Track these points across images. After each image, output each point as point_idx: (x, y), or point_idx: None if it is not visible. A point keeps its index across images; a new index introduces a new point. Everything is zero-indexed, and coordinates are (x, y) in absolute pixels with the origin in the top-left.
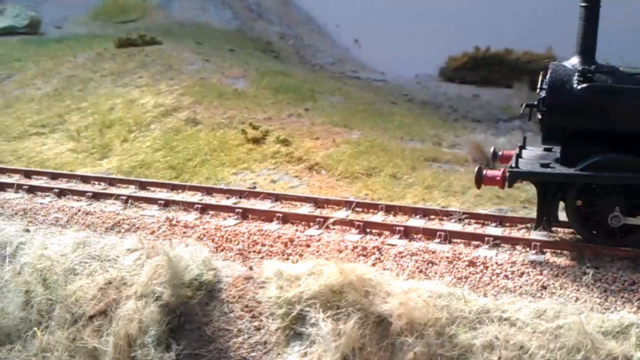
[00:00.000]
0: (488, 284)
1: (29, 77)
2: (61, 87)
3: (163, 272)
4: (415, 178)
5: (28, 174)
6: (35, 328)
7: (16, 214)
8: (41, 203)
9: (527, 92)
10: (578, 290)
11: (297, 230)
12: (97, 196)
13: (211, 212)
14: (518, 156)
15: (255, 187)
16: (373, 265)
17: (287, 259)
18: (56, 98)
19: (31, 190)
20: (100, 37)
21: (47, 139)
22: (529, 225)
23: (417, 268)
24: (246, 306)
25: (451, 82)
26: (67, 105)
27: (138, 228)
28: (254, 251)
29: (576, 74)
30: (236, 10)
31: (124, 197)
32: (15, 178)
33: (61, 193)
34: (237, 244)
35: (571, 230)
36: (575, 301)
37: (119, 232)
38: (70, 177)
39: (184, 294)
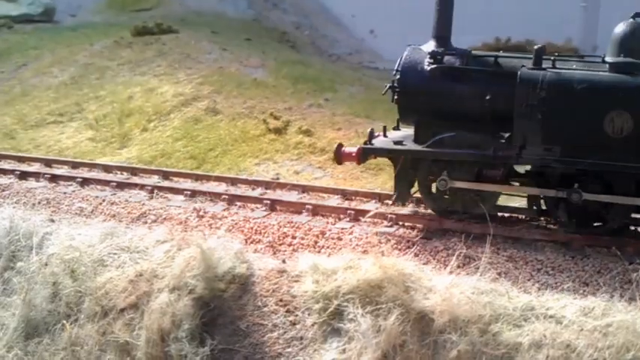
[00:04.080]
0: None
1: (45, 65)
2: (78, 75)
3: (196, 265)
4: None
5: (48, 163)
6: (64, 321)
7: (39, 203)
8: (64, 193)
9: None
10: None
11: (327, 222)
12: (121, 186)
13: (238, 203)
14: (384, 135)
15: (278, 178)
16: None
17: (319, 252)
18: (74, 86)
19: (54, 179)
20: (116, 26)
21: (65, 128)
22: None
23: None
24: (281, 300)
25: None
26: (85, 93)
27: (164, 219)
28: (284, 244)
29: (427, 57)
30: (251, 0)
31: (149, 187)
32: (35, 167)
33: (85, 182)
34: (267, 236)
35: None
36: None
37: (145, 222)
38: (92, 166)
39: (217, 287)
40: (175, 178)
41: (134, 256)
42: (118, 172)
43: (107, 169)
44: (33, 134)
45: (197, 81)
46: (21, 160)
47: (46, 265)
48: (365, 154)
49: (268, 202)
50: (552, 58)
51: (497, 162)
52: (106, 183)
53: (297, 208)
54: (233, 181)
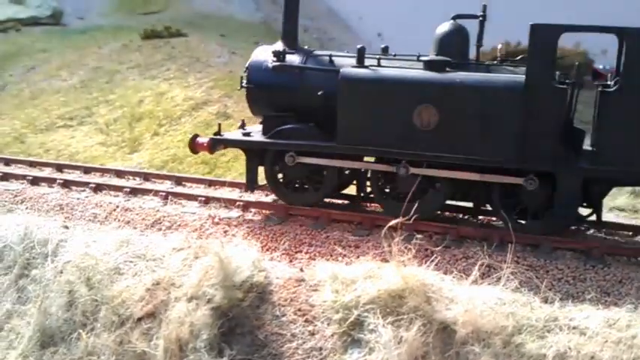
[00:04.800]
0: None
1: (54, 68)
2: (87, 79)
3: (215, 273)
4: None
5: (60, 167)
6: (80, 330)
7: (52, 209)
8: (77, 198)
9: None
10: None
11: (345, 231)
12: (134, 192)
13: (253, 210)
14: (242, 128)
15: None
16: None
17: (337, 260)
18: (83, 90)
19: (66, 184)
20: (124, 29)
21: (75, 132)
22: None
23: None
24: (299, 309)
25: None
26: (95, 97)
27: (179, 225)
28: (301, 251)
29: (271, 55)
30: (259, 2)
31: (163, 193)
32: (47, 172)
33: (98, 188)
34: (284, 244)
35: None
36: None
37: (160, 229)
38: (104, 171)
39: (235, 296)
40: (188, 184)
41: (150, 264)
42: (131, 178)
43: (119, 174)
44: (43, 138)
45: (207, 85)
46: (32, 164)
47: (62, 272)
48: (214, 144)
49: (283, 208)
50: (377, 57)
51: (326, 152)
52: (119, 189)
53: (312, 215)
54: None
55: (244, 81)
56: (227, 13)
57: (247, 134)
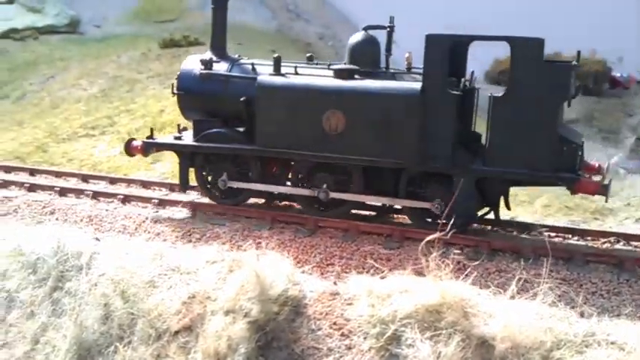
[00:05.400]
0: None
1: (74, 77)
2: (107, 87)
3: (251, 287)
4: None
5: (85, 178)
6: (117, 344)
7: (81, 220)
8: (106, 210)
9: (578, 97)
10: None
11: (375, 243)
12: (162, 203)
13: (282, 222)
14: (179, 132)
15: None
16: None
17: (368, 273)
18: (103, 99)
19: (95, 195)
20: (142, 37)
21: (98, 142)
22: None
23: None
24: (335, 323)
25: (497, 84)
26: (116, 106)
27: (209, 237)
28: (332, 264)
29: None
30: (274, 10)
31: (191, 204)
32: (73, 182)
33: (126, 199)
34: (314, 257)
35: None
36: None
37: (190, 241)
38: (129, 182)
39: (271, 310)
40: None
41: (185, 278)
42: (157, 188)
43: (145, 185)
44: (65, 147)
45: None
46: (58, 175)
47: (96, 285)
48: (147, 147)
49: (312, 220)
50: (295, 66)
51: (245, 154)
52: (147, 200)
53: (342, 227)
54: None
55: (172, 87)
56: (242, 22)
57: (178, 138)
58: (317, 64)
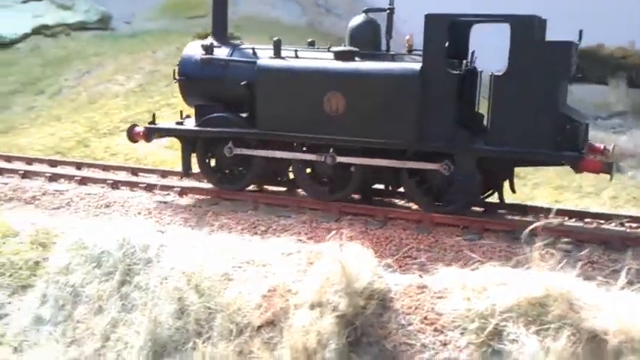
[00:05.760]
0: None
1: (109, 73)
2: (145, 82)
3: (337, 279)
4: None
5: (134, 171)
6: (195, 339)
7: (139, 213)
8: (164, 202)
9: (624, 89)
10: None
11: (453, 235)
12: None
13: (349, 214)
14: (181, 118)
15: None
16: None
17: (451, 265)
18: (142, 94)
19: (149, 188)
20: (173, 33)
21: None
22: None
23: None
24: (426, 318)
25: None
26: (156, 101)
27: (275, 230)
28: (410, 256)
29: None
30: (304, 5)
31: (253, 196)
32: (122, 176)
33: (182, 191)
34: (390, 249)
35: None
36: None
37: (256, 233)
38: (179, 174)
39: (358, 304)
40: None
41: (261, 270)
42: None
43: (198, 177)
44: (107, 142)
45: None
46: (105, 168)
47: (167, 279)
48: (150, 133)
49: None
50: (295, 49)
51: (247, 137)
52: (204, 192)
53: (414, 218)
54: None
55: (173, 73)
56: (273, 17)
57: (180, 123)
58: (318, 48)
